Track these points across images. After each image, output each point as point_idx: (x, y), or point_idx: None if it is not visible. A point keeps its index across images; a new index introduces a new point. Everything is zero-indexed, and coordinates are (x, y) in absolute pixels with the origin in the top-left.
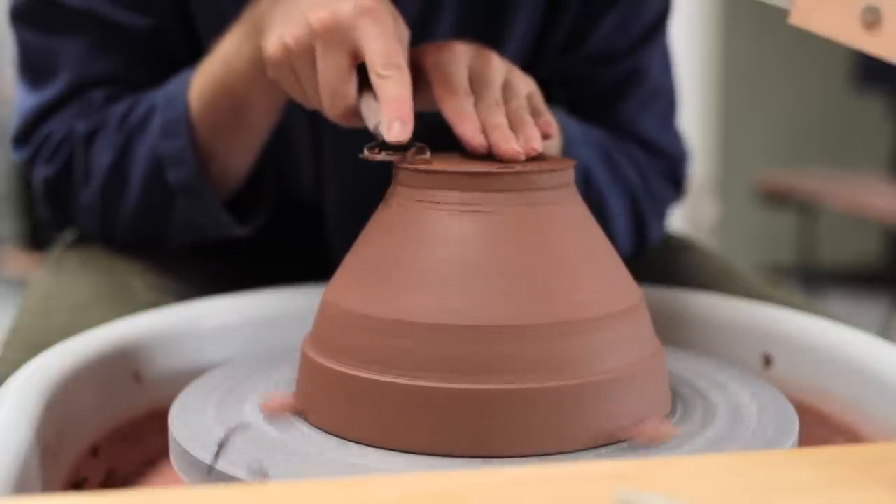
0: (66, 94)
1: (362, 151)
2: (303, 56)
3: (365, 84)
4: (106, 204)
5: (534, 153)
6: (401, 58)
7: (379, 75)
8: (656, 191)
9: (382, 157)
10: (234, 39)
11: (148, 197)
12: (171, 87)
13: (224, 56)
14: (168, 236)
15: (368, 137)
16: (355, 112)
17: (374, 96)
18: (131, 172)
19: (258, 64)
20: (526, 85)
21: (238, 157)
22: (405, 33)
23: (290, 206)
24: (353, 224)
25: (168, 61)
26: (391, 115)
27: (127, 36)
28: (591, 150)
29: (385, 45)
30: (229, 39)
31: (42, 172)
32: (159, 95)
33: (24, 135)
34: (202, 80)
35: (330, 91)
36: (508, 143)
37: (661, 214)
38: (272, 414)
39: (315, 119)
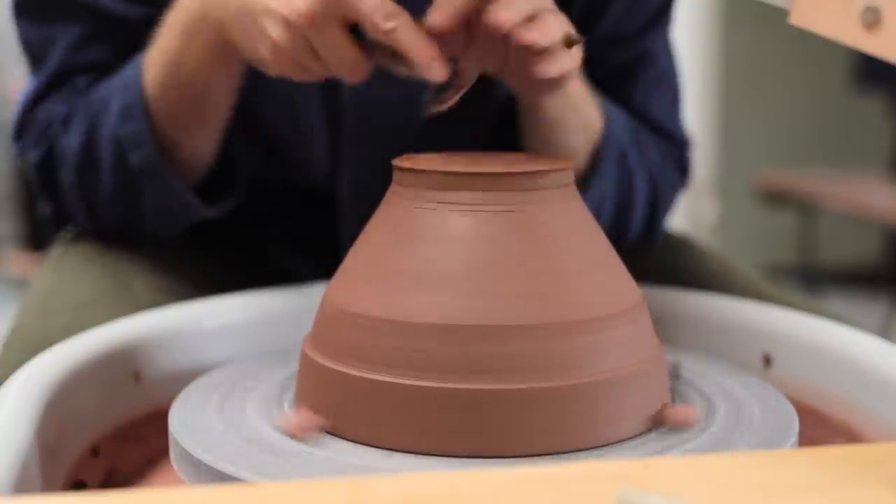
0: (53, 80)
1: (383, 119)
2: (299, 48)
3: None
4: (83, 186)
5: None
6: (389, 2)
7: (385, 32)
8: (670, 176)
9: (445, 103)
10: (178, 33)
11: (118, 178)
12: (128, 70)
13: (170, 51)
14: (144, 219)
15: (385, 105)
16: (374, 66)
17: (390, 49)
18: (100, 155)
19: (210, 57)
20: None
21: (201, 142)
22: None
23: (300, 194)
24: (366, 206)
25: None
26: (423, 60)
27: (119, 26)
28: (627, 132)
29: (371, 2)
30: (172, 33)
31: (31, 158)
32: (117, 79)
33: (21, 126)
34: (154, 72)
35: (339, 65)
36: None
37: (671, 201)
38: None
39: (330, 92)
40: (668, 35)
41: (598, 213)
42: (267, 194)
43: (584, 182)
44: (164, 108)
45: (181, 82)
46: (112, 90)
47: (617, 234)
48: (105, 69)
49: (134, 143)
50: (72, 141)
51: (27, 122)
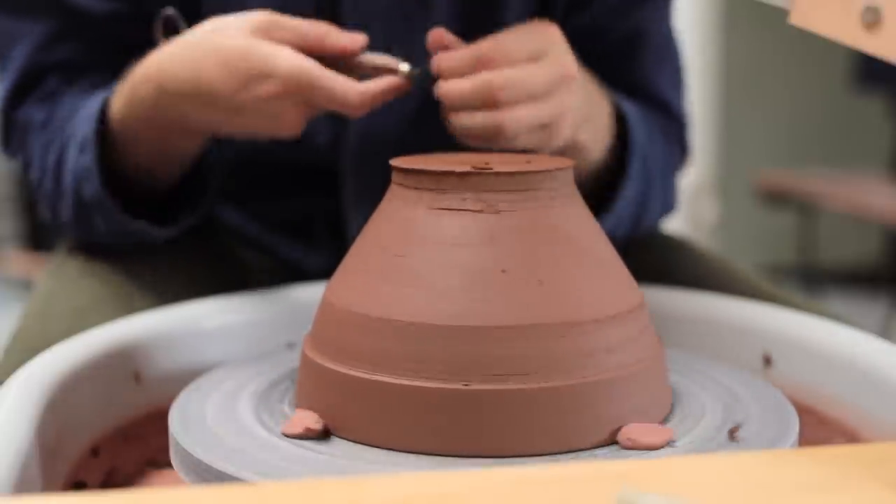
0: (25, 81)
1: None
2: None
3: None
4: (53, 204)
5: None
6: (348, 94)
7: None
8: (674, 162)
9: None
10: (135, 105)
11: (75, 205)
12: (92, 102)
13: (131, 101)
14: (102, 239)
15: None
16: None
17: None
18: (64, 183)
19: (166, 132)
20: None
21: (169, 166)
22: (315, 28)
23: (303, 178)
24: (368, 204)
25: (125, 48)
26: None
27: (87, 22)
28: (646, 133)
29: (328, 96)
30: (130, 103)
31: (19, 161)
32: (92, 101)
33: (3, 132)
34: (118, 104)
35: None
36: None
37: (676, 185)
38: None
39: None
40: (668, 8)
41: (622, 214)
42: (270, 178)
43: (614, 185)
44: (126, 138)
45: (142, 139)
46: (83, 116)
47: (634, 230)
48: (75, 69)
49: (85, 175)
50: (48, 156)
51: (8, 127)
